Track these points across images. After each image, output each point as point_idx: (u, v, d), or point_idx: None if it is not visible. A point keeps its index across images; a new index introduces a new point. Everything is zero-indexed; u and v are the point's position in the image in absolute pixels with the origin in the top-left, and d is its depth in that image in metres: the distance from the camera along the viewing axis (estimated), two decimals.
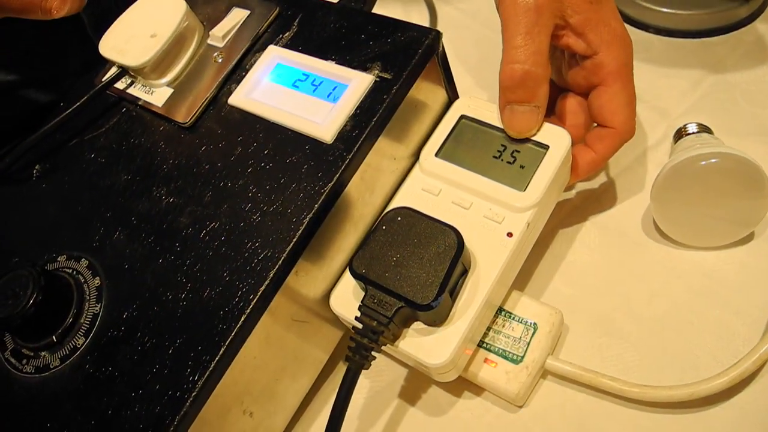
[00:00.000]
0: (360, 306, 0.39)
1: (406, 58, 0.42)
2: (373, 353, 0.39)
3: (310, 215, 0.39)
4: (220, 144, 0.44)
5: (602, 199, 0.51)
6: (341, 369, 0.46)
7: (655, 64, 0.58)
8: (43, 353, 0.40)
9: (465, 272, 0.40)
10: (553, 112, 0.48)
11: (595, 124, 0.46)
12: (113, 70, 0.49)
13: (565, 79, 0.47)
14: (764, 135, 0.52)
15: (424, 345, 0.39)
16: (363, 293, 0.40)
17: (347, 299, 0.41)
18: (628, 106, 0.44)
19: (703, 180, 0.44)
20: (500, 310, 0.44)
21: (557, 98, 0.48)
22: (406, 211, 0.40)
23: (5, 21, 0.45)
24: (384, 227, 0.40)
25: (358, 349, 0.39)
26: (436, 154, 0.44)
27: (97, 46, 0.49)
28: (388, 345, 0.40)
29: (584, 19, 0.42)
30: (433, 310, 0.38)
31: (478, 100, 0.46)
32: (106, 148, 0.47)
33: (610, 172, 0.52)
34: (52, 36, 0.55)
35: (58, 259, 0.44)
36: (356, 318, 0.39)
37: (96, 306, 0.41)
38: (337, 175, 0.39)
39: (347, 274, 0.42)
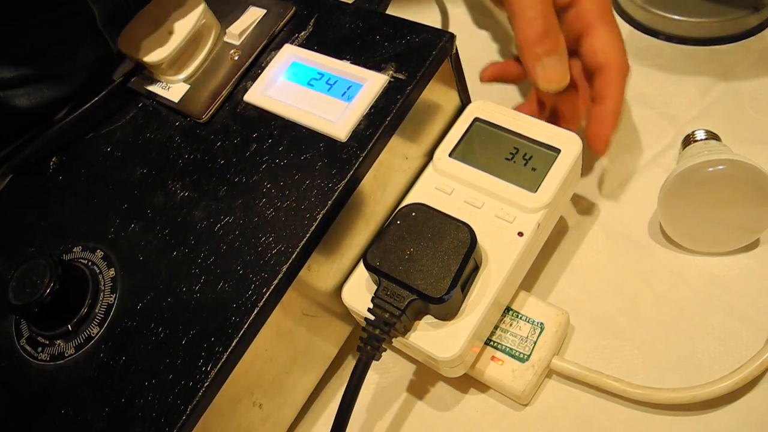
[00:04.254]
0: (373, 298, 0.40)
1: (421, 60, 0.43)
2: (383, 345, 0.40)
3: (324, 212, 0.39)
4: (235, 140, 0.45)
5: (610, 202, 0.52)
6: (349, 364, 0.47)
7: (664, 70, 0.59)
8: (58, 341, 0.41)
9: (476, 269, 0.41)
10: None
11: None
12: (131, 66, 0.50)
13: None
14: None
15: (435, 338, 0.40)
16: (374, 287, 0.40)
17: (359, 293, 0.42)
18: (619, 41, 0.46)
19: (710, 186, 0.45)
20: (508, 309, 0.45)
21: None
22: (421, 207, 0.41)
23: (18, 15, 0.45)
24: (398, 222, 0.41)
25: (369, 340, 0.39)
26: (450, 155, 0.45)
27: (109, 41, 0.49)
28: (398, 338, 0.41)
29: None
30: (445, 303, 0.38)
31: (493, 104, 0.47)
32: (122, 142, 0.48)
33: (619, 176, 0.53)
34: (64, 31, 0.55)
35: (74, 249, 0.44)
36: (369, 309, 0.40)
37: (110, 296, 0.42)
38: (351, 173, 0.40)
39: (359, 269, 0.43)
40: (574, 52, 0.48)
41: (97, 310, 0.41)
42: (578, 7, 0.46)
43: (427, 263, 0.39)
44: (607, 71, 0.46)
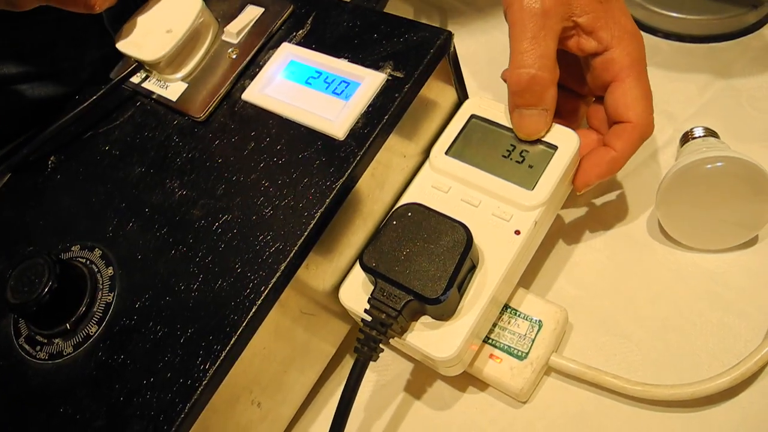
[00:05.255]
0: (369, 299, 0.40)
1: (418, 58, 0.43)
2: (381, 345, 0.40)
3: (322, 210, 0.39)
4: (233, 138, 0.45)
5: (608, 200, 0.52)
6: (348, 363, 0.47)
7: (663, 68, 0.59)
8: (56, 340, 0.41)
9: (473, 268, 0.41)
10: (573, 119, 0.48)
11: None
12: (129, 65, 0.50)
13: (588, 86, 0.47)
14: None
15: (432, 339, 0.40)
16: (371, 287, 0.40)
17: (356, 293, 0.42)
18: (644, 99, 0.44)
19: (708, 183, 0.45)
20: (506, 307, 0.45)
21: (580, 107, 0.49)
22: (417, 207, 0.41)
23: (28, 12, 0.45)
24: (394, 222, 0.41)
25: (366, 341, 0.39)
26: (447, 152, 0.45)
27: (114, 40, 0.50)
28: (395, 338, 0.40)
29: (594, 17, 0.43)
30: (442, 304, 0.38)
31: (489, 100, 0.47)
32: (120, 140, 0.48)
33: (617, 173, 0.53)
34: (70, 28, 0.56)
35: (72, 248, 0.44)
36: (365, 310, 0.40)
37: (109, 295, 0.42)
38: (349, 171, 0.40)
39: (356, 268, 0.43)
40: (600, 98, 0.46)
41: (95, 309, 0.41)
42: (608, 55, 0.43)
43: (424, 264, 0.39)
44: (627, 127, 0.44)
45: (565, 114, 0.45)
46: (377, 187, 0.43)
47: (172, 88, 0.48)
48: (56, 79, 0.56)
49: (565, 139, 0.44)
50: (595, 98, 0.48)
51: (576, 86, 0.49)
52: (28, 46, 0.55)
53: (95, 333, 0.41)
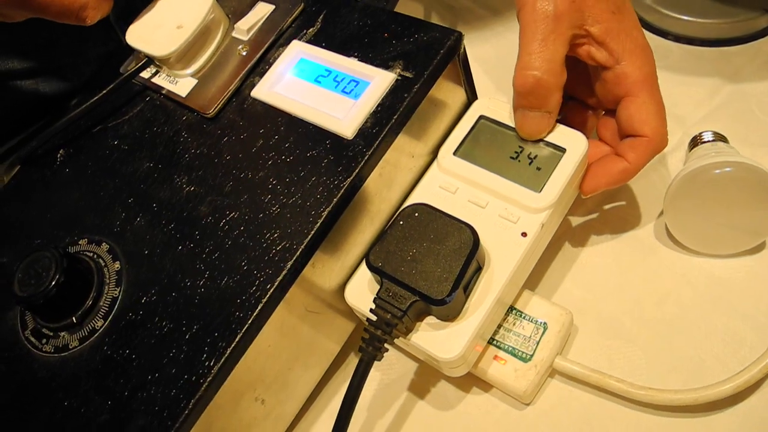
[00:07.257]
0: (375, 298, 0.40)
1: (428, 58, 0.43)
2: (385, 345, 0.40)
3: (329, 209, 0.39)
4: (242, 135, 0.45)
5: (616, 203, 0.52)
6: (352, 361, 0.47)
7: (672, 71, 0.58)
8: (62, 333, 0.41)
9: (479, 269, 0.41)
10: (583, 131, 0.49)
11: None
12: (139, 60, 0.50)
13: (598, 98, 0.47)
14: None
15: (437, 339, 0.40)
16: (377, 286, 0.40)
17: (361, 292, 0.42)
18: (658, 114, 0.43)
19: (716, 188, 0.44)
20: (511, 308, 0.45)
21: (591, 119, 0.49)
22: (424, 207, 0.41)
23: None
24: (401, 222, 0.41)
25: (371, 340, 0.39)
26: (455, 153, 0.45)
27: (120, 36, 0.50)
28: (400, 338, 0.41)
29: (606, 28, 0.42)
30: (447, 305, 0.38)
31: (498, 101, 0.47)
32: (129, 135, 0.48)
33: None
34: (75, 25, 0.56)
35: (80, 242, 0.44)
36: (371, 310, 0.40)
37: (115, 289, 0.42)
38: (357, 171, 0.40)
39: (362, 268, 0.43)
40: (611, 111, 0.46)
41: (101, 303, 0.41)
42: (619, 69, 0.43)
43: (430, 264, 0.39)
44: (642, 140, 0.44)
45: (575, 125, 0.45)
46: (385, 187, 0.43)
47: (181, 84, 0.48)
48: (60, 75, 0.57)
49: (573, 141, 0.44)
50: (605, 111, 0.48)
51: (586, 97, 0.48)
52: (33, 42, 0.55)
53: (101, 327, 0.41)
